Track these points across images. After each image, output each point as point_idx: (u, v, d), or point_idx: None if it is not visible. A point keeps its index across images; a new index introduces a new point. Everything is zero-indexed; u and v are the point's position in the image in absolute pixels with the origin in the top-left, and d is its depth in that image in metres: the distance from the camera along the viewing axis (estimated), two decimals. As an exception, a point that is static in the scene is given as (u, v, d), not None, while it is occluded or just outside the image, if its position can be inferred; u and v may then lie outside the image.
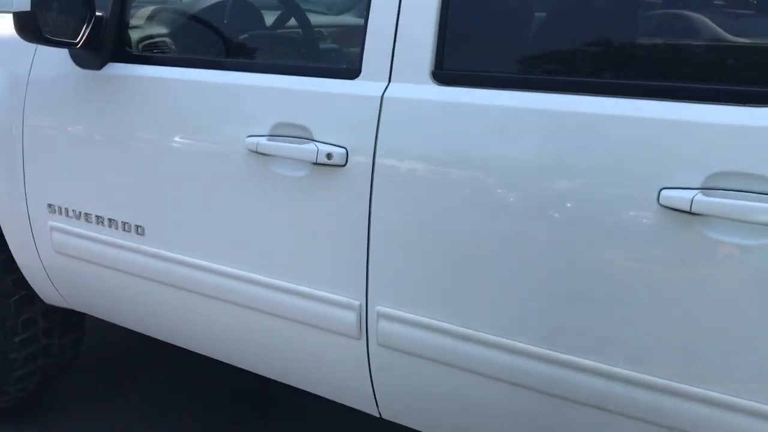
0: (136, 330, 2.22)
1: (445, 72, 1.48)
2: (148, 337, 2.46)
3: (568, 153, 1.35)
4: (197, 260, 1.84)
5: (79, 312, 2.50)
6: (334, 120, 1.59)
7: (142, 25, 2.06)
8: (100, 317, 2.30)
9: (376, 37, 1.54)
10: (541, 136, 1.37)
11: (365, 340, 1.64)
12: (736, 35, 1.34)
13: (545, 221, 1.37)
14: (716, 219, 1.21)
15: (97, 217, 2.02)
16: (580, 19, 1.47)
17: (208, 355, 2.06)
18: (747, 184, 1.19)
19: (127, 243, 1.97)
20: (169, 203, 1.86)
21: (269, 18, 2.28)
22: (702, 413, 1.28)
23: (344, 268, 1.63)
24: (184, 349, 2.37)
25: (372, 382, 1.69)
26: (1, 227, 2.25)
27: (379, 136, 1.53)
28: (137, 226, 1.94)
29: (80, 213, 2.05)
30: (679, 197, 1.23)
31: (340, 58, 2.12)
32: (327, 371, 1.77)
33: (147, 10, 2.07)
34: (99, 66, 1.95)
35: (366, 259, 1.59)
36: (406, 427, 1.80)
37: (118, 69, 1.94)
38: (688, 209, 1.22)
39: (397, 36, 1.52)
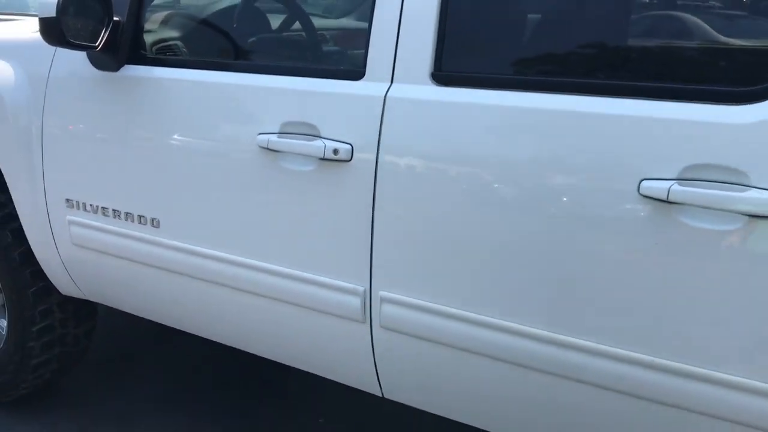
0: (149, 318, 2.33)
1: (444, 73, 1.60)
2: (155, 327, 2.58)
3: (557, 148, 1.47)
4: (210, 251, 1.96)
5: (92, 303, 2.62)
6: (340, 118, 1.70)
7: (156, 29, 2.17)
8: (115, 307, 2.41)
9: (379, 41, 1.66)
10: (533, 134, 1.50)
11: (369, 323, 1.76)
12: (710, 39, 1.46)
13: (536, 211, 1.49)
14: (690, 207, 1.33)
15: (114, 210, 2.13)
16: (566, 25, 1.59)
17: (219, 341, 2.17)
18: (718, 175, 1.31)
19: (143, 235, 2.08)
20: (184, 197, 1.98)
21: (275, 22, 2.40)
22: (681, 386, 1.40)
23: (349, 257, 1.74)
24: (191, 338, 2.48)
25: (375, 363, 1.81)
26: (21, 221, 2.36)
27: (382, 133, 1.65)
28: (153, 219, 2.06)
29: (98, 207, 2.17)
30: (658, 187, 1.35)
31: (345, 60, 2.24)
32: (333, 354, 1.88)
33: (161, 15, 2.19)
34: (116, 68, 2.06)
35: (370, 247, 1.71)
36: (404, 409, 1.92)
37: (134, 71, 2.05)
38: (665, 198, 1.34)
39: (399, 40, 1.64)
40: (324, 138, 1.72)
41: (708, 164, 1.32)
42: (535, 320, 1.53)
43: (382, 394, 1.88)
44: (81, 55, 2.13)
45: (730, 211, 1.31)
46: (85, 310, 2.62)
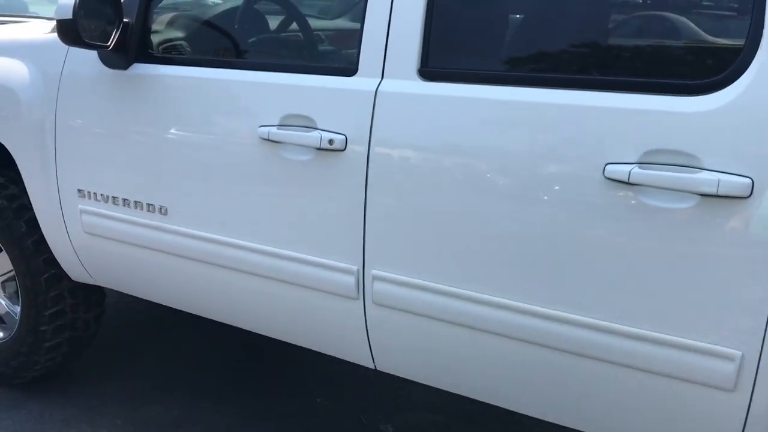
0: (156, 301, 2.48)
1: (429, 70, 1.76)
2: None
3: (531, 136, 1.62)
4: (215, 236, 2.11)
5: (101, 290, 2.76)
6: (335, 111, 1.85)
7: (162, 29, 2.31)
8: (124, 291, 2.55)
9: (370, 40, 1.82)
10: (509, 124, 1.65)
11: (362, 299, 1.91)
12: (667, 37, 1.62)
13: (512, 194, 1.65)
14: (649, 188, 1.49)
15: (124, 200, 2.28)
16: (537, 26, 1.75)
17: (223, 321, 2.32)
18: (673, 159, 1.47)
19: (152, 222, 2.23)
20: (190, 186, 2.13)
21: (274, 23, 2.55)
22: (634, 347, 1.56)
23: (344, 239, 1.89)
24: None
25: (368, 337, 1.96)
26: (35, 211, 2.50)
27: (373, 124, 1.80)
28: (161, 207, 2.20)
29: (108, 196, 2.31)
30: (620, 170, 1.50)
31: (339, 58, 2.39)
32: (329, 330, 2.03)
33: (167, 17, 2.34)
34: (125, 66, 2.21)
35: (362, 230, 1.86)
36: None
37: (142, 69, 2.20)
38: (626, 180, 1.50)
39: (389, 40, 1.79)
40: (320, 129, 1.87)
41: (664, 149, 1.48)
42: (514, 294, 1.68)
43: (375, 366, 2.03)
44: (92, 55, 2.27)
45: (684, 191, 1.46)
46: (95, 296, 2.76)
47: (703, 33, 1.59)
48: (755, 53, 1.42)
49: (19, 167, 2.48)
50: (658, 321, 1.54)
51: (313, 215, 1.93)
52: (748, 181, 1.41)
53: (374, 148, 1.80)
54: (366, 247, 1.87)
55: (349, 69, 1.86)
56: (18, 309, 2.72)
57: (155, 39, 2.27)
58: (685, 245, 1.48)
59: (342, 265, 1.91)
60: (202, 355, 3.17)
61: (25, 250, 2.58)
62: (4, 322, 2.83)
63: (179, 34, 2.35)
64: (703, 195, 1.45)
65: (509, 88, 1.66)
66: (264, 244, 2.03)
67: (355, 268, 1.89)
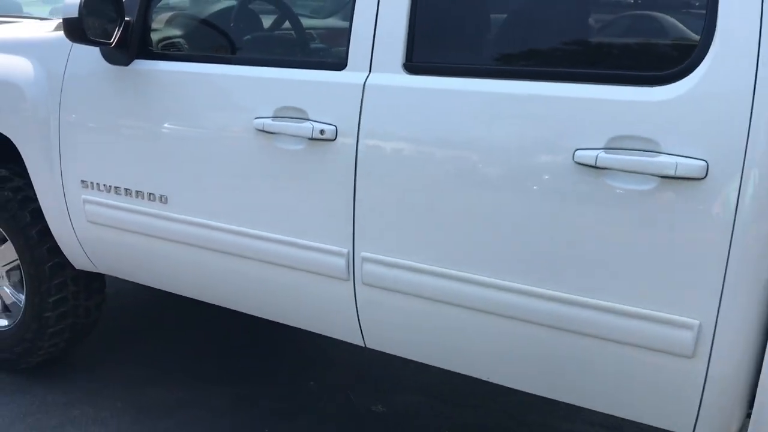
0: (156, 287, 2.60)
1: (413, 64, 1.89)
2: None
3: (508, 124, 1.76)
4: (214, 222, 2.23)
5: (102, 279, 2.88)
6: (326, 103, 1.98)
7: (162, 27, 2.44)
8: (125, 278, 2.67)
9: (359, 37, 1.94)
10: (488, 113, 1.78)
11: (352, 280, 2.04)
12: (629, 33, 1.76)
13: (491, 179, 1.78)
14: (614, 171, 1.62)
15: (126, 189, 2.40)
16: (512, 22, 1.89)
17: (221, 304, 2.44)
18: (636, 144, 1.61)
19: (152, 210, 2.35)
20: (189, 175, 2.25)
21: (267, 21, 2.68)
22: (607, 320, 1.70)
23: (335, 223, 2.02)
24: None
25: (358, 315, 2.09)
26: (39, 202, 2.62)
27: (362, 115, 1.92)
28: (161, 196, 2.32)
29: (110, 187, 2.43)
30: (588, 155, 1.64)
31: (330, 53, 2.52)
32: (322, 309, 2.16)
33: (166, 15, 2.46)
34: (127, 62, 2.33)
35: (352, 215, 1.99)
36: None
37: (143, 65, 2.32)
38: (594, 164, 1.63)
39: (376, 36, 1.92)
40: (312, 120, 2.00)
41: (628, 135, 1.61)
42: (493, 271, 1.81)
43: (365, 344, 2.15)
44: (94, 52, 2.39)
45: (646, 174, 1.60)
46: (96, 285, 2.88)
47: (663, 30, 1.73)
48: (708, 49, 1.55)
49: (25, 160, 2.59)
50: (624, 294, 1.67)
51: (306, 202, 2.06)
52: (703, 163, 1.54)
53: (363, 137, 1.93)
54: (356, 230, 1.99)
55: (339, 64, 1.98)
56: (22, 297, 2.83)
57: (155, 36, 2.39)
58: (647, 224, 1.62)
59: (333, 248, 2.04)
60: (200, 341, 3.29)
61: (30, 240, 2.69)
62: (8, 310, 2.94)
63: (178, 31, 2.47)
64: (663, 177, 1.58)
65: (487, 81, 1.79)
66: (260, 230, 2.15)
67: (345, 250, 2.02)
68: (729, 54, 1.53)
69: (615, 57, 1.77)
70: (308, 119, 2.00)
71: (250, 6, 2.68)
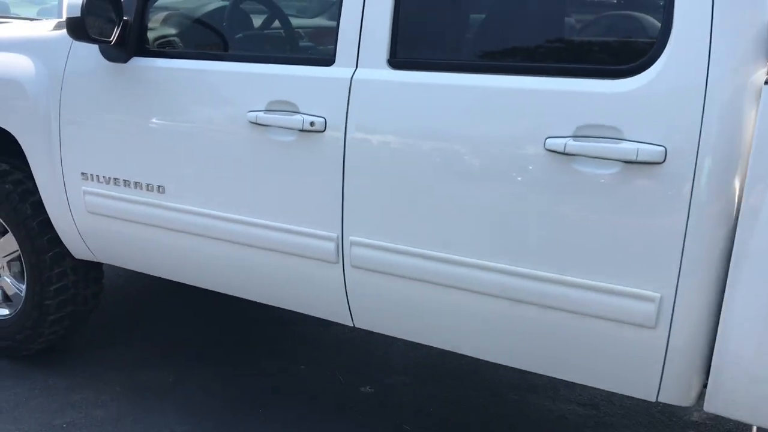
0: (153, 274, 2.71)
1: (397, 60, 2.03)
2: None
3: (485, 115, 1.90)
4: (210, 210, 2.35)
5: (100, 268, 2.99)
6: (316, 96, 2.11)
7: (158, 26, 2.56)
8: (123, 266, 2.79)
9: (346, 35, 2.08)
10: (466, 105, 1.92)
11: (342, 263, 2.17)
12: (595, 33, 1.91)
13: (469, 166, 1.92)
14: (581, 157, 1.77)
15: (125, 180, 2.52)
16: (488, 21, 2.03)
17: (216, 289, 2.56)
18: (601, 132, 1.75)
19: (150, 200, 2.47)
20: (185, 166, 2.37)
21: (260, 20, 2.81)
22: (576, 294, 1.84)
23: (325, 209, 2.15)
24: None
25: (347, 297, 2.22)
26: (41, 194, 2.73)
27: (349, 107, 2.06)
28: (158, 186, 2.45)
29: (110, 178, 2.55)
30: (557, 143, 1.78)
31: (319, 50, 2.65)
32: (312, 292, 2.29)
33: (162, 15, 2.58)
34: (125, 60, 2.45)
35: (341, 202, 2.12)
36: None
37: (141, 62, 2.44)
38: (563, 151, 1.77)
39: (362, 34, 2.06)
40: (302, 113, 2.13)
41: (593, 124, 1.76)
42: (474, 252, 1.95)
43: (353, 323, 2.29)
44: (93, 50, 2.51)
45: (610, 159, 1.74)
46: (94, 275, 2.99)
47: (625, 29, 1.88)
48: (665, 46, 1.70)
49: (26, 154, 2.70)
50: (592, 270, 1.82)
51: (297, 190, 2.19)
52: (662, 149, 1.69)
53: (350, 128, 2.06)
54: (344, 216, 2.13)
55: (328, 60, 2.12)
56: (22, 287, 2.94)
57: (152, 35, 2.51)
58: (611, 205, 1.76)
59: (323, 233, 2.17)
60: (194, 327, 3.42)
61: (31, 231, 2.80)
62: (9, 300, 3.04)
63: (174, 30, 2.59)
64: (625, 162, 1.73)
65: (465, 75, 1.93)
66: (253, 217, 2.28)
67: (334, 235, 2.15)
68: (683, 52, 1.68)
69: (582, 53, 1.93)
70: (299, 112, 2.13)
71: (242, 6, 2.80)
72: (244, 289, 2.47)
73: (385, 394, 2.92)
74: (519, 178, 1.86)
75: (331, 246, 2.16)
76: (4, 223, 2.89)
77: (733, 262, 1.66)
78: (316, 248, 2.19)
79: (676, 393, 1.86)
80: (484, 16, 2.09)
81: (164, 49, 2.51)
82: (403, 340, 2.23)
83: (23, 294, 2.94)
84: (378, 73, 2.03)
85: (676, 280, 1.74)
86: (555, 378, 2.99)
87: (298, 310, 2.41)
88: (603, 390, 2.94)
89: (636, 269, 1.77)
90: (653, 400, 1.88)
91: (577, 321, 1.88)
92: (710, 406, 1.80)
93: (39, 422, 2.64)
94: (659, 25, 1.73)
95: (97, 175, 2.57)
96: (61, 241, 2.80)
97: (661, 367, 1.83)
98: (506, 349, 2.05)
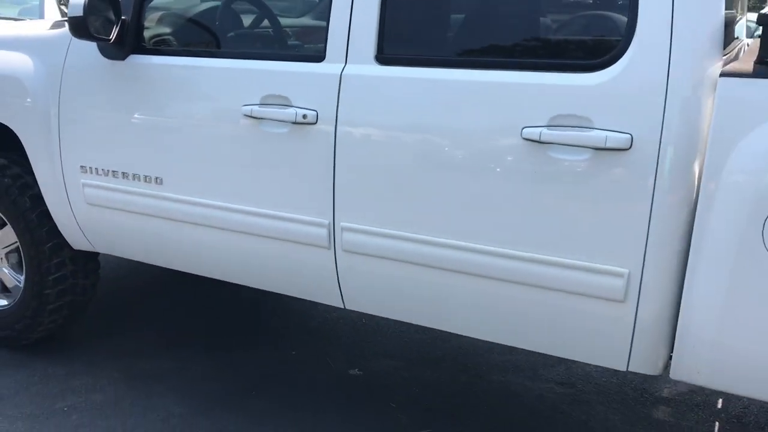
0: (151, 263, 2.82)
1: (384, 56, 2.16)
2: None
3: (466, 107, 2.04)
4: (206, 200, 2.47)
5: (97, 259, 3.10)
6: (308, 90, 2.24)
7: (154, 25, 2.67)
8: (121, 255, 2.90)
9: (336, 32, 2.21)
10: (448, 98, 2.06)
11: (333, 248, 2.31)
12: (568, 30, 2.06)
13: (452, 154, 2.06)
14: (555, 144, 1.92)
15: (123, 173, 2.63)
16: (470, 18, 2.18)
17: (213, 276, 2.68)
18: (573, 121, 1.90)
19: (148, 191, 2.59)
20: (182, 158, 2.49)
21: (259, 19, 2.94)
22: (550, 272, 1.99)
23: (317, 197, 2.28)
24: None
25: (339, 280, 2.35)
26: (40, 187, 2.83)
27: (339, 100, 2.19)
28: (156, 178, 2.56)
29: (108, 171, 2.66)
30: (533, 132, 1.93)
31: (310, 47, 2.78)
32: (305, 276, 2.42)
33: (158, 14, 2.69)
34: (123, 57, 2.56)
35: (333, 190, 2.25)
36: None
37: (138, 59, 2.55)
38: (538, 139, 1.92)
39: (351, 32, 2.19)
40: (295, 107, 2.26)
41: (566, 114, 1.91)
42: (458, 235, 2.09)
43: (344, 305, 2.42)
44: (91, 48, 2.61)
45: (581, 146, 1.89)
46: (92, 265, 3.09)
47: (595, 26, 2.03)
48: (630, 42, 1.86)
49: (26, 148, 2.80)
50: (564, 248, 1.97)
51: (290, 179, 2.32)
52: (628, 136, 1.84)
53: (341, 120, 2.20)
54: (336, 203, 2.26)
55: (319, 56, 2.25)
56: (21, 278, 3.03)
57: (148, 34, 2.63)
58: (583, 188, 1.92)
59: (316, 219, 2.30)
60: (188, 315, 3.53)
61: (30, 223, 2.90)
62: (8, 291, 3.14)
63: (170, 29, 2.71)
64: (595, 149, 1.88)
65: (448, 70, 2.08)
66: (248, 206, 2.41)
67: (326, 221, 2.29)
68: (646, 48, 1.83)
69: (556, 49, 2.08)
70: (292, 105, 2.26)
71: (236, 4, 2.93)
72: (240, 276, 2.60)
73: (373, 377, 3.06)
74: (498, 165, 2.01)
75: (322, 232, 2.30)
76: (2, 216, 2.98)
77: (694, 241, 1.82)
78: (309, 234, 2.33)
79: (645, 362, 2.01)
80: (466, 14, 2.24)
81: (161, 47, 2.62)
82: (392, 326, 2.36)
83: (21, 285, 3.03)
84: (366, 68, 2.17)
85: (643, 258, 1.90)
86: (535, 359, 3.18)
87: (291, 294, 2.54)
88: (579, 369, 3.14)
89: (606, 248, 1.93)
90: (624, 369, 2.03)
91: (554, 297, 2.03)
92: (675, 373, 1.95)
93: (40, 407, 2.74)
94: (625, 23, 1.89)
95: (96, 168, 2.68)
96: (59, 233, 2.90)
97: (630, 338, 1.98)
98: (489, 325, 2.19)
